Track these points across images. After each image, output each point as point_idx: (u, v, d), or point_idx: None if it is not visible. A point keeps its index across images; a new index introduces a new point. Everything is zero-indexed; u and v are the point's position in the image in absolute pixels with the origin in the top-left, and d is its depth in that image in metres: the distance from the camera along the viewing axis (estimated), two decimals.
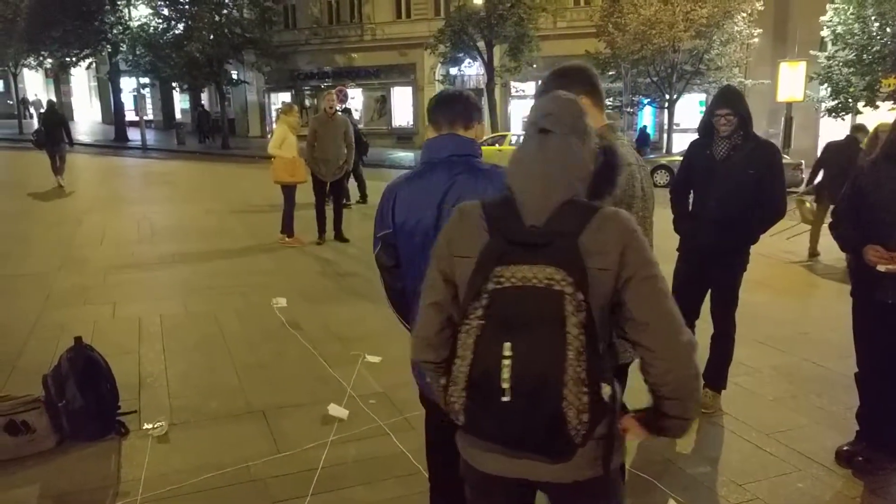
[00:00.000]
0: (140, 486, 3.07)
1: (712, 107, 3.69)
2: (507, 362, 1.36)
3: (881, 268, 2.93)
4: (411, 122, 30.32)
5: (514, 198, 1.51)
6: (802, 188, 7.84)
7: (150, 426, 3.61)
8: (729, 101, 3.66)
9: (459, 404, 1.43)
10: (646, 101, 23.30)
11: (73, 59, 27.31)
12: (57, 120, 13.69)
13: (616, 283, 1.45)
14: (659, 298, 1.46)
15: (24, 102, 34.33)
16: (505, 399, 1.36)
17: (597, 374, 1.37)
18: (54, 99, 16.30)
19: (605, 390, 1.39)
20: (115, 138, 27.81)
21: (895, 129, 3.05)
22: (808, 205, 8.26)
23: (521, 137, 1.75)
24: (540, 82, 2.35)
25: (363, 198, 11.87)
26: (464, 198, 1.99)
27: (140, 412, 3.79)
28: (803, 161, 17.34)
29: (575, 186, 1.51)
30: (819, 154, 8.31)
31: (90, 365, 3.60)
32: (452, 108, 2.13)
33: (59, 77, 33.82)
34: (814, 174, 8.33)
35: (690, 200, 3.90)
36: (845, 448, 3.36)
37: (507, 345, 1.36)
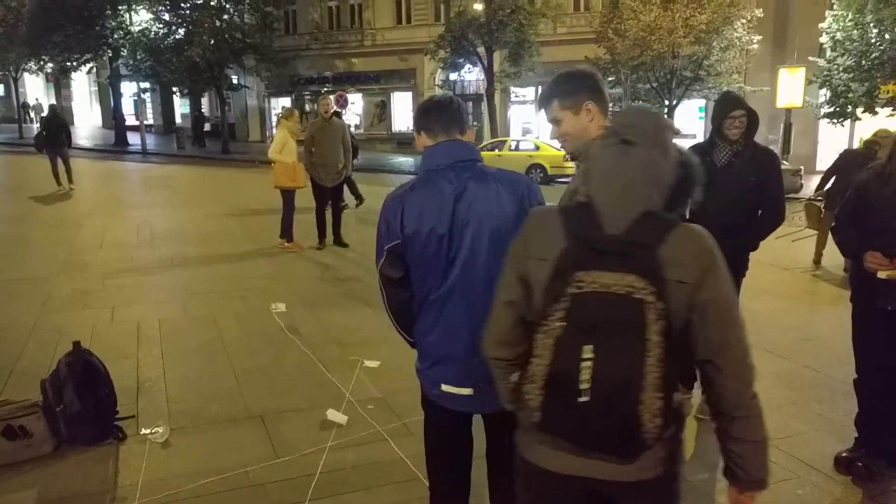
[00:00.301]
0: (137, 492, 3.07)
1: (725, 109, 3.67)
2: (587, 364, 1.41)
3: (881, 274, 2.92)
4: (411, 128, 30.20)
5: (592, 205, 1.54)
6: (812, 194, 7.76)
7: (149, 431, 3.60)
8: (741, 103, 3.69)
9: (536, 402, 1.47)
10: None
11: (74, 63, 27.36)
12: (58, 124, 13.74)
13: (692, 299, 1.48)
14: (736, 322, 1.53)
15: (24, 107, 34.36)
16: (582, 399, 1.41)
17: (671, 381, 1.43)
18: (55, 103, 16.29)
19: (677, 397, 1.46)
20: (116, 143, 27.83)
21: None
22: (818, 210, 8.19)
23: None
24: (543, 86, 2.35)
25: (359, 199, 11.74)
26: (477, 204, 1.99)
27: (138, 417, 3.78)
28: (802, 167, 17.38)
29: (654, 198, 1.53)
30: (834, 161, 8.19)
31: (88, 369, 3.59)
32: (447, 113, 2.12)
33: (59, 81, 33.81)
34: (825, 181, 8.24)
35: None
36: (844, 454, 3.36)
37: (588, 347, 1.41)
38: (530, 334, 1.55)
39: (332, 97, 8.89)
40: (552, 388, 1.45)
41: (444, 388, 2.14)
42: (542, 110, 2.23)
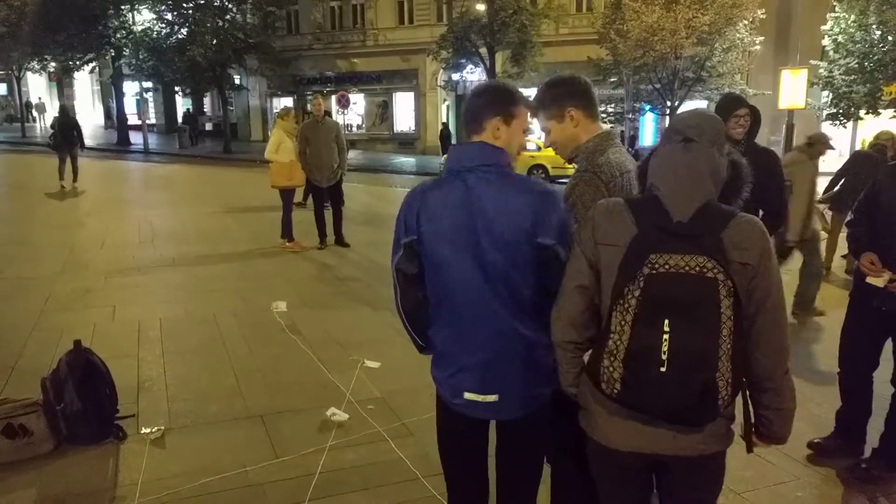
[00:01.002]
0: (137, 491, 3.07)
1: (729, 108, 3.69)
2: (666, 337, 1.57)
3: (869, 279, 3.01)
4: (413, 128, 30.37)
5: (659, 196, 1.71)
6: (820, 196, 7.69)
7: (149, 430, 3.60)
8: (744, 102, 3.73)
9: (617, 374, 1.63)
10: (647, 108, 23.33)
11: (77, 62, 27.40)
12: (71, 123, 13.87)
13: (749, 281, 1.66)
14: (781, 306, 1.73)
15: (27, 106, 34.41)
16: (662, 370, 1.58)
17: (740, 354, 1.63)
18: (65, 103, 16.35)
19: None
20: (118, 142, 27.88)
21: None
22: (823, 213, 8.10)
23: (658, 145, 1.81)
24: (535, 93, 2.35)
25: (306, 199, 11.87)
26: (491, 214, 1.95)
27: (138, 416, 3.79)
28: None
29: (713, 191, 1.71)
30: (845, 163, 8.08)
31: (89, 368, 3.60)
32: (468, 114, 2.06)
33: (62, 81, 33.87)
34: (834, 182, 8.15)
35: None
36: (816, 441, 3.51)
37: (666, 321, 1.58)
38: (598, 317, 1.77)
39: (321, 98, 8.84)
40: (633, 361, 1.61)
41: (468, 396, 2.08)
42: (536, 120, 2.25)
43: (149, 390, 4.16)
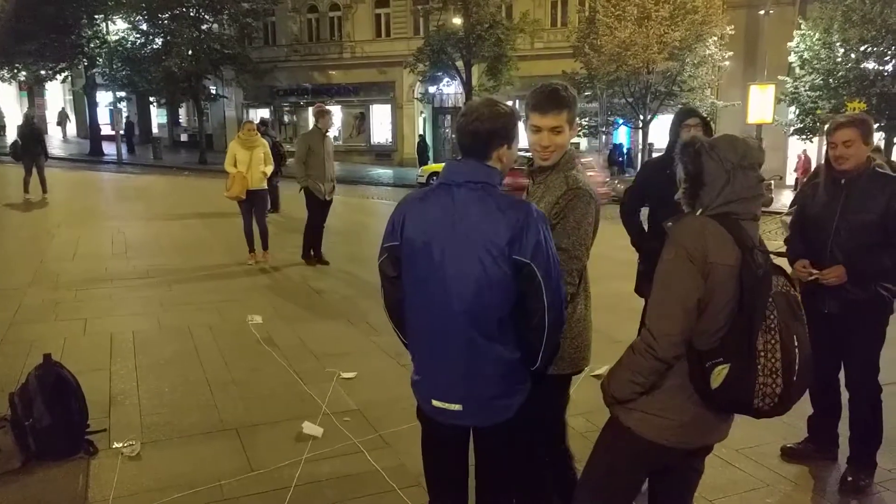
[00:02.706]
0: None
1: (680, 119, 3.80)
2: (797, 351, 1.82)
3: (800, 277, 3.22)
4: (390, 140, 30.43)
5: (739, 221, 1.90)
6: (787, 209, 7.84)
7: (121, 445, 3.55)
8: (695, 112, 3.84)
9: (779, 390, 1.82)
10: (621, 122, 23.70)
11: (49, 72, 26.97)
12: (34, 134, 13.62)
13: None
14: None
15: None
16: (795, 378, 1.81)
17: None
18: (29, 112, 16.00)
19: None
20: (91, 152, 27.44)
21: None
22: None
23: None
24: (552, 89, 2.30)
25: (275, 208, 11.81)
26: (470, 230, 1.98)
27: (110, 430, 3.72)
28: (773, 182, 17.74)
29: None
30: (809, 176, 8.23)
31: (59, 382, 3.53)
32: (477, 141, 2.06)
33: (33, 90, 33.28)
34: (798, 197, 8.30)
35: (644, 220, 3.94)
36: (790, 446, 3.61)
37: (795, 337, 1.82)
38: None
39: (328, 109, 8.40)
40: (787, 377, 1.81)
41: (435, 403, 2.15)
42: (545, 114, 2.23)
43: (121, 404, 4.10)
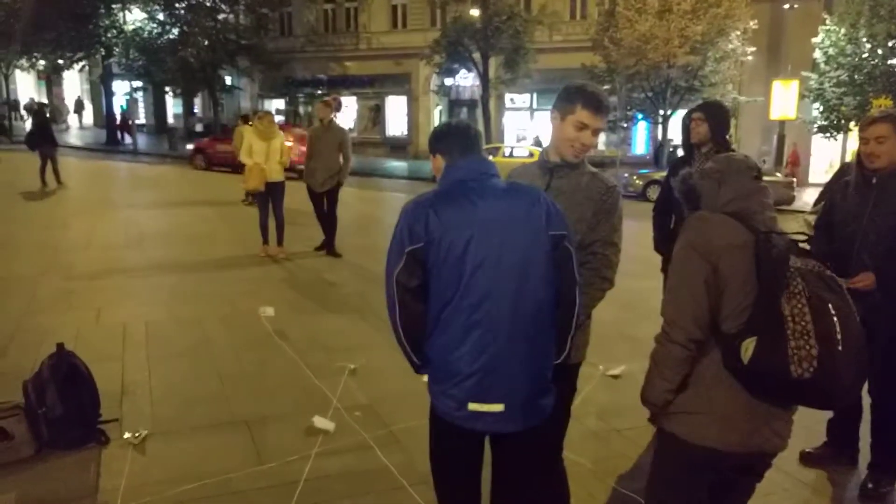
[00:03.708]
0: (119, 496, 3.02)
1: (687, 116, 3.77)
2: (835, 319, 1.75)
3: None
4: (405, 132, 30.37)
5: (743, 213, 1.94)
6: (811, 208, 7.69)
7: (131, 435, 3.55)
8: (702, 107, 3.76)
9: (815, 352, 1.73)
10: (640, 117, 23.43)
11: (67, 61, 27.20)
12: (48, 123, 13.76)
13: None
14: None
15: (14, 105, 33.95)
16: (840, 349, 1.73)
17: None
18: (44, 101, 16.19)
19: None
20: (107, 142, 27.68)
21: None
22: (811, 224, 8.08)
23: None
24: (598, 92, 2.37)
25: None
26: (503, 222, 2.02)
27: (121, 421, 3.73)
28: (795, 179, 17.48)
29: None
30: (834, 174, 8.06)
31: (72, 372, 3.54)
32: (467, 139, 2.21)
33: (51, 79, 33.64)
34: (823, 194, 8.12)
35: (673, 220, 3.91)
36: (809, 450, 3.53)
37: (830, 305, 1.77)
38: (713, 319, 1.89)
39: (326, 102, 8.56)
40: (823, 340, 1.73)
41: (472, 406, 2.03)
42: (598, 115, 2.32)
43: (133, 394, 4.11)
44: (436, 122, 28.60)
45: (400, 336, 2.13)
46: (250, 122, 12.79)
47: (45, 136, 13.51)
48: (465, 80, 26.74)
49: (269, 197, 8.04)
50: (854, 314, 1.79)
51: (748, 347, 1.78)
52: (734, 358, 1.83)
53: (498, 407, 2.02)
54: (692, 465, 1.97)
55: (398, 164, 26.16)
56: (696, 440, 1.92)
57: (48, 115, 14.58)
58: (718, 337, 1.89)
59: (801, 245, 1.91)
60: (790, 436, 1.97)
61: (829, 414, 3.52)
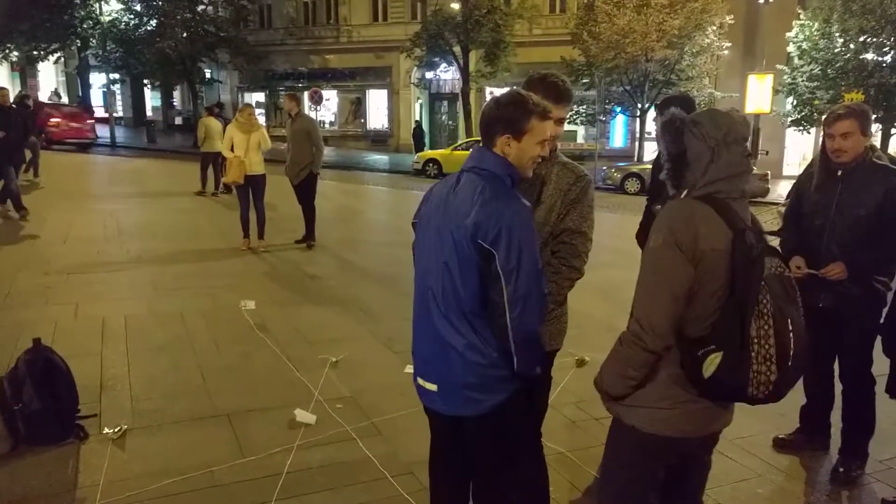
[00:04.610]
0: (98, 492, 3.00)
1: (660, 110, 3.80)
2: (791, 335, 1.73)
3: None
4: (386, 125, 30.28)
5: (727, 201, 1.83)
6: (784, 199, 7.81)
7: (111, 430, 3.53)
8: (668, 101, 3.79)
9: (773, 377, 1.74)
10: (618, 110, 23.61)
11: (41, 52, 26.68)
12: (28, 115, 13.49)
13: None
14: None
15: None
16: (790, 364, 1.74)
17: None
18: (25, 92, 15.86)
19: None
20: None
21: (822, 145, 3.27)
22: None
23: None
24: (562, 82, 2.39)
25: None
26: (451, 210, 2.01)
27: (101, 416, 3.70)
28: (769, 172, 17.74)
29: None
30: (806, 167, 8.19)
31: (49, 367, 3.50)
32: (483, 122, 2.09)
33: (25, 71, 32.93)
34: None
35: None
36: (782, 436, 3.62)
37: (790, 321, 1.74)
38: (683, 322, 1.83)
39: (292, 95, 8.59)
40: (781, 362, 1.73)
41: (419, 381, 2.19)
42: (561, 104, 2.32)
43: (112, 389, 4.08)
44: (416, 116, 28.57)
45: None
46: (216, 114, 13.20)
47: (26, 129, 13.29)
48: (446, 74, 26.72)
49: (249, 190, 8.01)
50: (803, 322, 1.80)
51: (713, 362, 1.75)
52: (696, 369, 1.80)
53: (431, 386, 2.14)
54: (648, 452, 1.99)
55: (379, 157, 26.08)
56: (656, 431, 1.92)
57: (27, 104, 14.23)
58: (681, 341, 1.84)
59: (770, 240, 1.89)
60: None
61: (802, 401, 3.60)
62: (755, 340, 1.71)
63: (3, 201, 9.77)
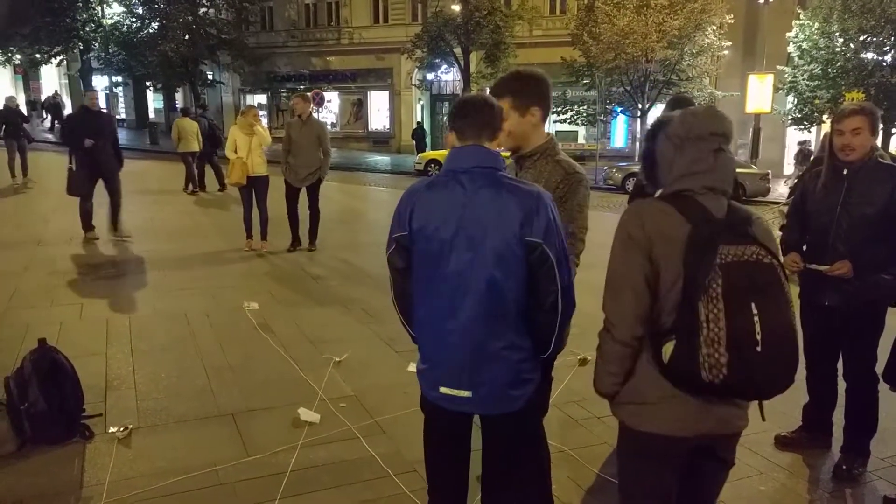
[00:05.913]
0: (104, 491, 3.02)
1: (670, 108, 3.82)
2: (756, 319, 1.68)
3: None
4: (388, 126, 30.31)
5: (694, 197, 1.84)
6: (785, 199, 7.80)
7: (116, 429, 3.55)
8: (669, 103, 3.82)
9: (724, 360, 1.69)
10: (619, 110, 23.64)
11: (44, 56, 26.76)
12: (14, 115, 13.60)
13: None
14: None
15: None
16: (759, 349, 1.69)
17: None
18: (12, 95, 15.88)
19: None
20: None
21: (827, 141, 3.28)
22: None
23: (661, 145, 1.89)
24: (498, 80, 2.48)
25: (222, 186, 13.01)
26: (481, 215, 1.99)
27: (106, 415, 3.73)
28: (770, 171, 17.74)
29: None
30: (807, 167, 8.19)
31: (54, 367, 3.52)
32: (480, 118, 2.09)
33: (28, 74, 33.00)
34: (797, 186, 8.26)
35: None
36: (784, 434, 3.62)
37: (753, 305, 1.69)
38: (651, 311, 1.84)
39: (303, 97, 8.47)
40: (736, 345, 1.69)
41: (443, 390, 2.13)
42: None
43: (117, 389, 4.10)
44: (418, 117, 28.60)
45: (396, 307, 2.35)
46: (192, 115, 13.75)
47: (15, 129, 13.41)
48: (447, 75, 26.75)
49: (252, 191, 8.02)
50: (784, 310, 1.73)
51: (668, 349, 1.78)
52: (658, 358, 1.83)
53: (465, 393, 2.11)
54: (645, 453, 1.96)
55: (381, 159, 26.10)
56: (643, 428, 1.92)
57: (15, 106, 14.30)
58: (651, 335, 1.87)
59: (746, 230, 1.83)
60: (745, 419, 1.93)
61: (804, 399, 3.61)
62: (704, 324, 1.70)
63: (90, 226, 8.75)
